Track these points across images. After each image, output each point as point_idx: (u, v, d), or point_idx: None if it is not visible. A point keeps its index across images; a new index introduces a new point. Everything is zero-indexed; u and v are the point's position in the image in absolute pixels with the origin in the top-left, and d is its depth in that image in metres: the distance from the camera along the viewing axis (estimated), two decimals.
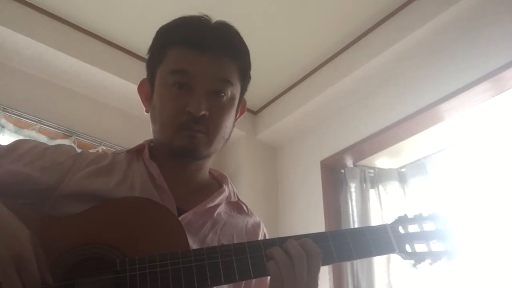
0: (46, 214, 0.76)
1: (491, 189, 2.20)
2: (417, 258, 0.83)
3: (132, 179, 0.88)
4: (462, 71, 2.14)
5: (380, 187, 2.66)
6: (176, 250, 0.72)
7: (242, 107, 1.01)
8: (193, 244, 0.81)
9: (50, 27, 2.40)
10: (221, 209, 0.94)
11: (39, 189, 0.81)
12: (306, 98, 2.79)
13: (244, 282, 0.89)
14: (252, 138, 3.11)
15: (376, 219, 2.52)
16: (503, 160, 2.22)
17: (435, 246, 0.83)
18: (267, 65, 2.70)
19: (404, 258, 0.83)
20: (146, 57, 0.96)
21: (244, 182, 2.89)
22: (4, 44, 2.32)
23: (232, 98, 0.91)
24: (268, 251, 0.75)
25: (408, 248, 0.83)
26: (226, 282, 0.72)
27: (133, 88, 2.96)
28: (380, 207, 2.60)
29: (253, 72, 0.99)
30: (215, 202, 0.92)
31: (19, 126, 2.33)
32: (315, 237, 0.79)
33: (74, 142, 2.46)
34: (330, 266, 2.41)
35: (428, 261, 0.83)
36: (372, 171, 2.72)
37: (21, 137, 2.30)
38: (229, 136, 0.95)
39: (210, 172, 1.01)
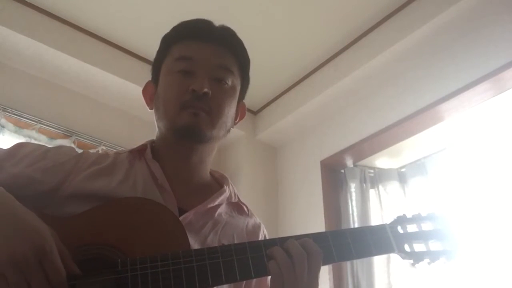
0: (48, 215, 0.76)
1: (491, 189, 2.21)
2: (416, 257, 0.83)
3: (134, 179, 0.88)
4: (462, 71, 2.14)
5: (380, 187, 2.66)
6: (177, 251, 0.72)
7: (242, 111, 1.03)
8: (194, 244, 0.82)
9: (50, 27, 2.40)
10: (222, 209, 0.94)
11: (43, 191, 0.81)
12: (306, 98, 2.79)
13: (244, 282, 0.89)
14: (252, 138, 3.12)
15: (376, 219, 2.52)
16: (503, 160, 2.22)
17: (434, 245, 0.84)
18: (267, 65, 2.70)
19: (403, 258, 0.84)
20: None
21: (244, 182, 2.90)
22: (4, 44, 2.32)
23: (233, 88, 0.96)
24: (268, 251, 0.75)
25: (407, 247, 0.84)
26: (227, 282, 0.73)
27: (133, 88, 2.96)
28: (380, 207, 2.60)
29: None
30: (216, 202, 0.92)
31: (19, 126, 2.33)
32: (315, 237, 0.79)
33: (74, 142, 2.46)
34: (330, 266, 2.41)
35: (426, 260, 0.83)
36: (372, 171, 2.72)
37: (21, 137, 2.31)
38: (230, 127, 0.97)
39: (211, 173, 1.02)
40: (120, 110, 2.76)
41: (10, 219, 0.66)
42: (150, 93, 0.99)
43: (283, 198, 2.99)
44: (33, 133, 2.35)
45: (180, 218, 0.81)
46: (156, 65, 0.99)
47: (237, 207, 0.99)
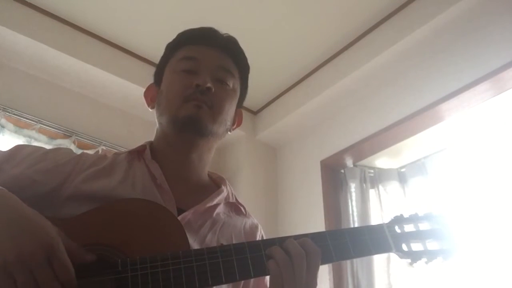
0: (48, 217, 0.76)
1: (490, 189, 2.21)
2: (413, 256, 0.84)
3: (133, 179, 0.89)
4: (462, 71, 2.14)
5: (380, 187, 2.66)
6: (177, 251, 0.73)
7: (239, 118, 1.06)
8: (193, 244, 0.82)
9: (50, 27, 2.41)
10: (220, 209, 0.95)
11: (43, 192, 0.82)
12: (306, 98, 2.80)
13: (242, 282, 0.90)
14: (252, 138, 3.12)
15: (376, 219, 2.52)
16: (503, 160, 2.22)
17: (431, 245, 0.85)
18: (267, 65, 2.70)
19: (401, 257, 0.85)
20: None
21: (244, 182, 2.90)
22: (4, 44, 2.32)
23: (234, 90, 0.99)
24: (268, 251, 0.75)
25: (404, 247, 0.84)
26: (227, 282, 0.73)
27: (133, 88, 2.97)
28: (380, 207, 2.60)
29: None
30: (214, 202, 0.93)
31: (19, 126, 2.34)
32: (314, 236, 0.79)
33: (74, 142, 2.46)
34: (330, 266, 2.41)
35: (424, 259, 0.84)
36: (372, 171, 2.72)
37: (21, 137, 2.31)
38: (229, 128, 1.00)
39: (209, 175, 1.03)
40: (120, 110, 2.77)
41: (16, 219, 0.66)
42: (152, 94, 1.01)
43: (283, 198, 2.99)
44: (33, 133, 2.35)
45: (179, 218, 0.82)
46: (160, 69, 1.02)
47: (235, 207, 1.00)
